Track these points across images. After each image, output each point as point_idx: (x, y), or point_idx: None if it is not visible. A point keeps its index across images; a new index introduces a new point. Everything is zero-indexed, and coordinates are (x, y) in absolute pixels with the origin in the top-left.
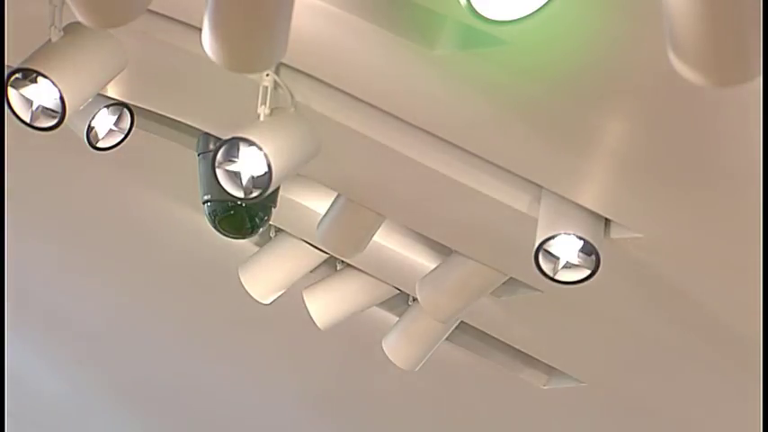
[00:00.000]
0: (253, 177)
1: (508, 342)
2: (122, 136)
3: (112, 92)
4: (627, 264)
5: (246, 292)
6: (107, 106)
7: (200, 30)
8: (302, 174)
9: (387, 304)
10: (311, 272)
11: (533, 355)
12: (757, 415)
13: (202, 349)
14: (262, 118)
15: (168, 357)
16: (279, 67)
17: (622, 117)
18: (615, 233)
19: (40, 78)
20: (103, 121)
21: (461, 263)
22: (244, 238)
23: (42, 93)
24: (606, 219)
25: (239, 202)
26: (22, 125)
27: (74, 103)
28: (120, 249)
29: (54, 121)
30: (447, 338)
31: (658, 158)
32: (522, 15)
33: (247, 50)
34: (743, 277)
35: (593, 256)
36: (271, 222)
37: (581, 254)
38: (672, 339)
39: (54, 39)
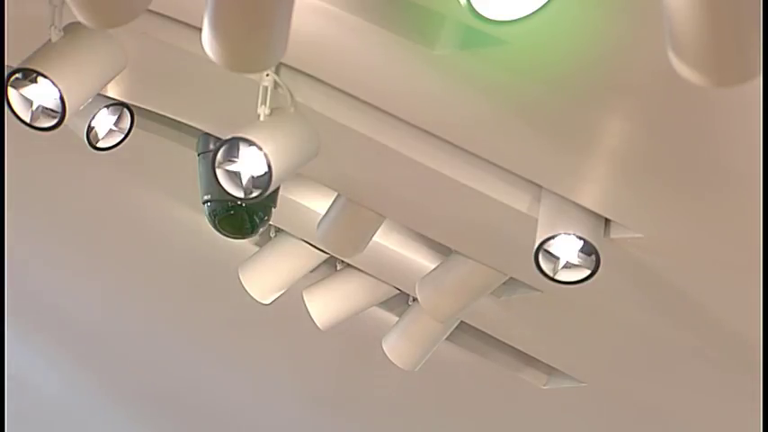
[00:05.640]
0: (253, 177)
1: (508, 342)
2: (122, 136)
3: (112, 92)
4: (627, 264)
5: (246, 292)
6: (107, 106)
7: (201, 30)
8: (302, 174)
9: (387, 304)
10: (311, 272)
11: (533, 355)
12: (757, 415)
13: (202, 349)
14: (262, 118)
15: (168, 357)
16: (279, 67)
17: (622, 117)
18: (615, 233)
19: (40, 78)
20: (103, 121)
21: (461, 263)
22: (244, 238)
23: (42, 93)
24: (606, 219)
25: (239, 202)
26: (22, 125)
27: (74, 103)
28: (119, 249)
29: (54, 121)
30: (447, 338)
31: (658, 158)
32: (522, 15)
33: (247, 50)
34: (743, 277)
35: (593, 256)
36: (271, 222)
37: (581, 254)
38: (672, 339)
39: (54, 39)
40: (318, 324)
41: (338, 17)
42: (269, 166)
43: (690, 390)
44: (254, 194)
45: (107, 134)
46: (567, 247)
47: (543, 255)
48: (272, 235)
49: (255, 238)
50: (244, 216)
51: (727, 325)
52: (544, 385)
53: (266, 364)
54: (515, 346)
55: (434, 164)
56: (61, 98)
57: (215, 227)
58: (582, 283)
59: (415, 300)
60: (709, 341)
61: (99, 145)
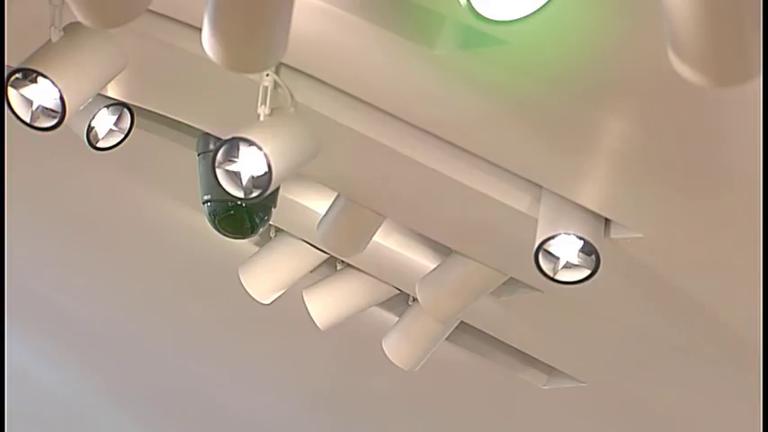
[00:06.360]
0: (253, 177)
1: (508, 342)
2: (122, 136)
3: (112, 92)
4: (627, 264)
5: (247, 292)
6: (107, 106)
7: (201, 30)
8: (302, 174)
9: (387, 304)
10: (311, 272)
11: (533, 355)
12: (757, 415)
13: (202, 349)
14: (262, 118)
15: (168, 356)
16: (279, 67)
17: (623, 117)
18: (615, 233)
19: (40, 78)
20: (103, 121)
21: (461, 263)
22: (244, 238)
23: (42, 93)
24: (606, 219)
25: (239, 202)
26: (23, 125)
27: (74, 103)
28: (119, 249)
29: (54, 121)
30: (447, 338)
31: (658, 158)
32: (523, 15)
33: (247, 50)
34: (743, 277)
35: (593, 256)
36: (271, 222)
37: (581, 254)
38: (671, 339)
39: (54, 39)
40: (318, 324)
41: (338, 17)
42: (269, 166)
43: (690, 390)
44: (254, 194)
45: (107, 134)
46: (567, 247)
47: (543, 255)
48: (272, 235)
49: (255, 238)
50: (244, 216)
51: (727, 325)
52: (544, 385)
53: (266, 363)
54: (515, 346)
55: (434, 164)
56: (61, 98)
57: (215, 227)
58: (582, 283)
59: (415, 300)
60: (709, 341)
61: (99, 145)
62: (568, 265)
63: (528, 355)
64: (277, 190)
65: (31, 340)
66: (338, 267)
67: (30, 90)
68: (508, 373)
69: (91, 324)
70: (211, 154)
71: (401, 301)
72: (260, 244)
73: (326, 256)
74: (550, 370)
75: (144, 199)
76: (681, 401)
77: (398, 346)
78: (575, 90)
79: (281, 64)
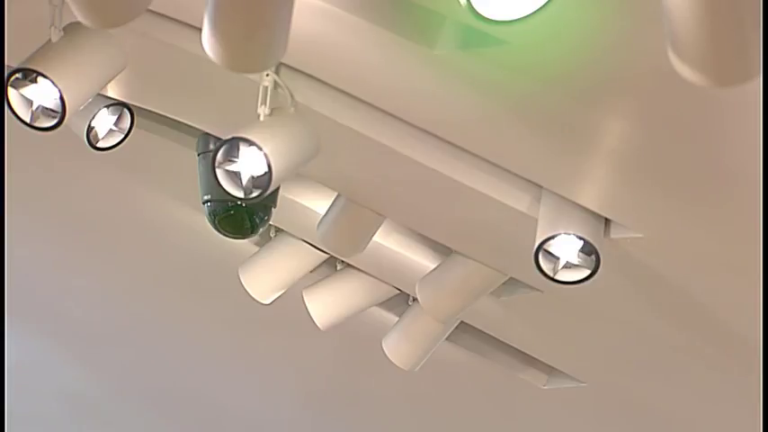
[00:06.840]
0: (253, 177)
1: (508, 342)
2: (122, 136)
3: (112, 92)
4: (627, 264)
5: (246, 292)
6: (107, 106)
7: (201, 30)
8: (302, 174)
9: (387, 304)
10: (311, 272)
11: (533, 355)
12: (757, 415)
13: (202, 349)
14: (262, 118)
15: (168, 357)
16: (279, 67)
17: (623, 117)
18: (615, 233)
19: (40, 78)
20: (103, 121)
21: (461, 263)
22: (244, 238)
23: (42, 93)
24: (606, 219)
25: (239, 202)
26: (23, 125)
27: (74, 103)
28: (119, 249)
29: (54, 121)
30: (447, 338)
31: (658, 158)
32: (523, 15)
33: (247, 50)
34: (743, 277)
35: (593, 256)
36: (271, 222)
37: (581, 254)
38: (672, 339)
39: (54, 39)
40: (318, 324)
41: (338, 17)
42: (269, 166)
43: (689, 390)
44: (254, 194)
45: (107, 134)
46: (567, 247)
47: (543, 255)
48: (272, 235)
49: (255, 238)
50: (244, 216)
51: (727, 325)
52: (544, 385)
53: (266, 363)
54: (515, 346)
55: (434, 164)
56: (61, 98)
57: (215, 227)
58: (582, 283)
59: (415, 300)
60: (709, 341)
61: (99, 145)
62: (568, 265)
63: (528, 355)
64: (277, 190)
65: (31, 340)
66: (338, 267)
67: (30, 90)
68: (508, 373)
69: (91, 324)
70: (211, 154)
71: (401, 301)
72: (260, 244)
73: (326, 256)
74: (550, 370)
75: (144, 199)
76: (681, 401)
77: (398, 346)
78: (575, 90)
79: (281, 64)
